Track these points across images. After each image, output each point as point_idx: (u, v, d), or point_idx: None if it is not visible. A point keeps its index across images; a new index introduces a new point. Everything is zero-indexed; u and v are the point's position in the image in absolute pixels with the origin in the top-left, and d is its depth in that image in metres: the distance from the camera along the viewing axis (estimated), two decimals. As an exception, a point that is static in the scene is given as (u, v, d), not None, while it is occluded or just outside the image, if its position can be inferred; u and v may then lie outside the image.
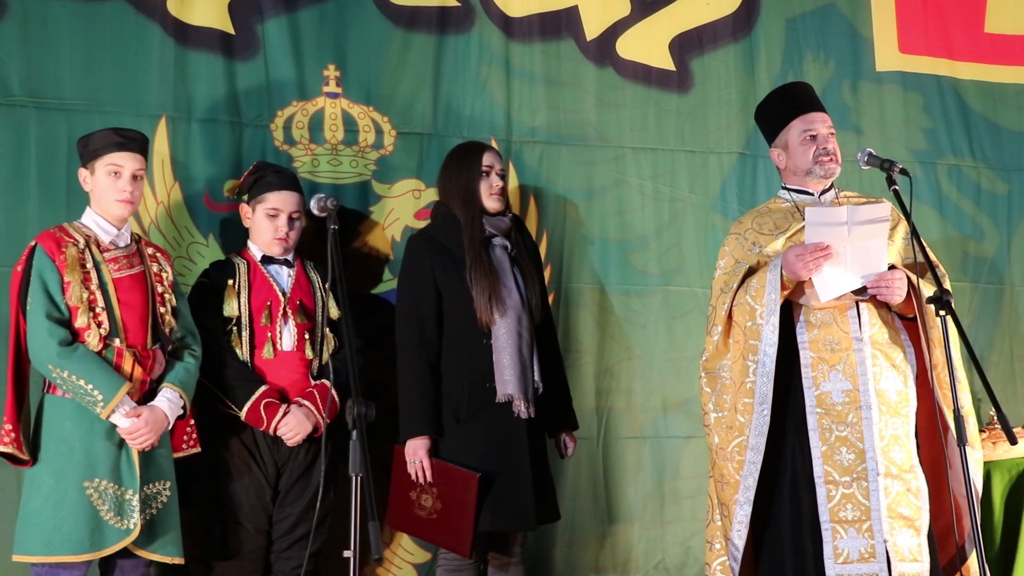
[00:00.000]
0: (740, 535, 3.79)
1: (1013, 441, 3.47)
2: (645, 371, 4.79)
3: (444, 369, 3.98)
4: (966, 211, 5.23)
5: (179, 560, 3.69)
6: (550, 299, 4.48)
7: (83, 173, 3.76)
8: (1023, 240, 5.29)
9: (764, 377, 3.76)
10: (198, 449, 3.82)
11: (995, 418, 4.64)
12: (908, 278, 3.76)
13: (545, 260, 4.61)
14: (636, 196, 4.84)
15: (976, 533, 3.47)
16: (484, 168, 4.10)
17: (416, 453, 3.92)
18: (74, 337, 3.59)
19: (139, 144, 3.76)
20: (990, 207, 5.27)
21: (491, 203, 4.09)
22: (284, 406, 3.89)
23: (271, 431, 3.88)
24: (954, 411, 3.50)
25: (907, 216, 3.68)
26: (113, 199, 3.71)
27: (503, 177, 4.15)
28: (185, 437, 3.79)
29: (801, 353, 3.82)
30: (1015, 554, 4.57)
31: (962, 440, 3.45)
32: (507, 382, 3.94)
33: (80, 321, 3.59)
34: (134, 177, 3.73)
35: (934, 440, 3.84)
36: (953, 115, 5.25)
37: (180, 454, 3.78)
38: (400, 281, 4.14)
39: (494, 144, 4.53)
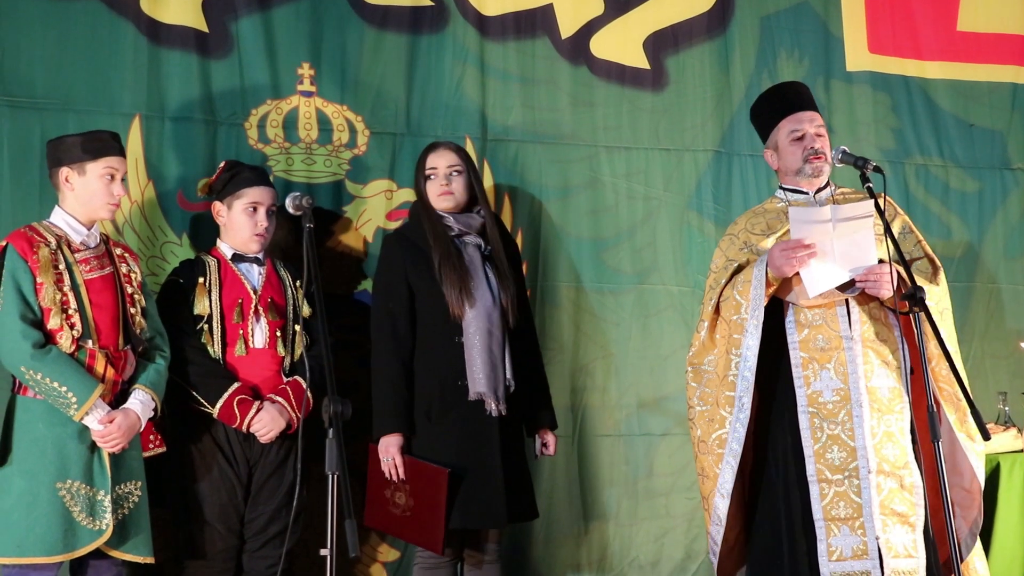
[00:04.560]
0: (718, 530, 3.81)
1: (986, 437, 3.49)
2: (620, 369, 4.79)
3: (417, 367, 3.99)
4: (933, 210, 5.23)
5: (150, 560, 3.69)
6: (525, 297, 4.49)
7: (66, 172, 3.69)
8: (995, 236, 5.31)
9: (746, 371, 3.77)
10: (164, 449, 3.81)
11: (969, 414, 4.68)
12: (899, 272, 3.73)
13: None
14: (610, 195, 4.84)
15: (951, 532, 3.41)
16: (427, 171, 4.12)
17: (388, 450, 3.93)
18: (47, 339, 3.57)
19: (122, 147, 3.78)
20: (959, 205, 5.28)
21: (440, 203, 4.10)
22: (257, 403, 3.89)
23: (244, 428, 3.87)
24: (927, 406, 3.46)
25: (880, 212, 3.67)
26: (106, 202, 3.71)
27: (459, 173, 4.12)
28: (152, 437, 3.78)
29: (791, 353, 3.84)
30: (988, 549, 4.58)
31: (935, 435, 3.44)
32: (478, 380, 3.95)
33: (53, 323, 3.58)
34: (123, 180, 3.74)
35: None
36: (921, 115, 5.25)
37: (147, 454, 3.77)
38: (375, 281, 4.16)
39: (468, 143, 4.55)
